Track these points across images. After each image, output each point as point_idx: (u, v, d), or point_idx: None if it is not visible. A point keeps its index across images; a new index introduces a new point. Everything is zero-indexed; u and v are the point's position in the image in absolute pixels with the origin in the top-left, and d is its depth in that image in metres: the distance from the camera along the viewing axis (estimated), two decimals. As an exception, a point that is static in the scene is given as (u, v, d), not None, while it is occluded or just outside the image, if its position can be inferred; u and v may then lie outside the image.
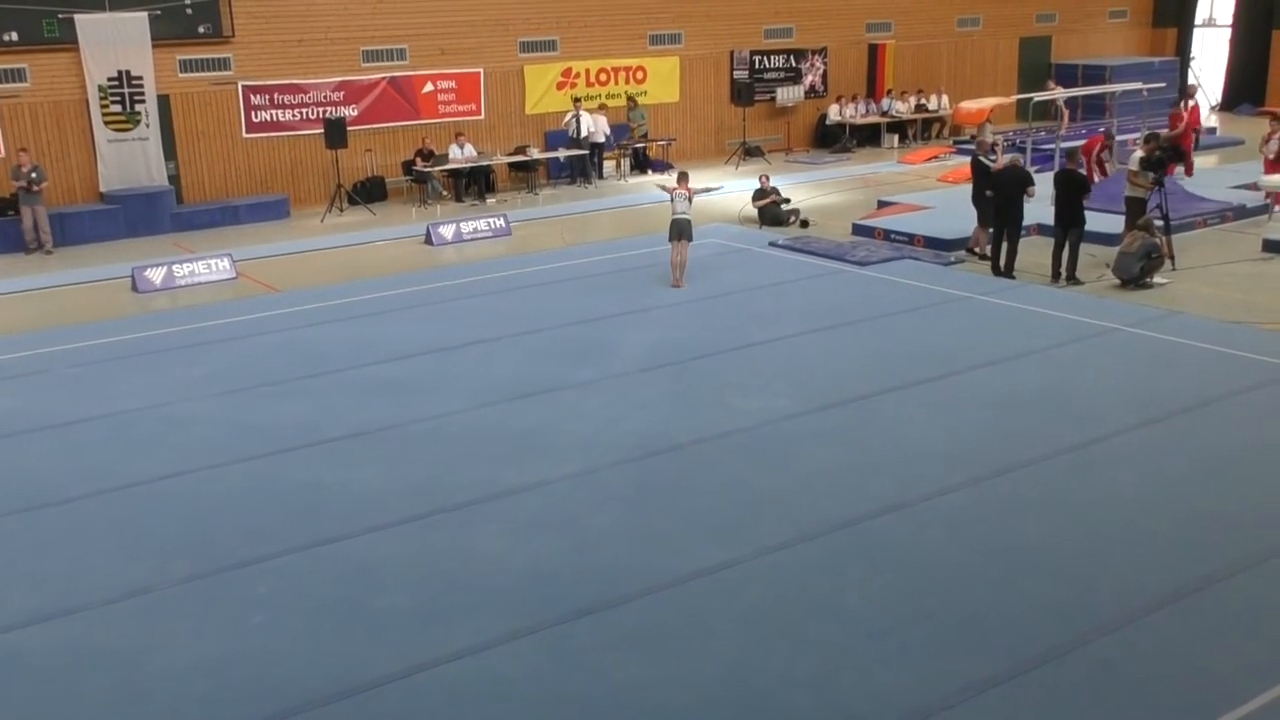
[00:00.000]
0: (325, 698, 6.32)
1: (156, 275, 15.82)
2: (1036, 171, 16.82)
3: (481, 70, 22.48)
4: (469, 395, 10.99)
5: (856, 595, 7.26)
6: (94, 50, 18.77)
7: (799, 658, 6.59)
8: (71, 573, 7.81)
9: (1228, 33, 31.84)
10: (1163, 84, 25.40)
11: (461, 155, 21.13)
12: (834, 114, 26.55)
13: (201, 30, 19.70)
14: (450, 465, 9.40)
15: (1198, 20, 32.66)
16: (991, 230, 15.14)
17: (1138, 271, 14.07)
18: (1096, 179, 17.88)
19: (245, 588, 7.54)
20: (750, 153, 24.70)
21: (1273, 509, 8.30)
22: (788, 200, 18.91)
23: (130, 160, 19.37)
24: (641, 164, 23.96)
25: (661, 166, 23.89)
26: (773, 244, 16.93)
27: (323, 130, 20.03)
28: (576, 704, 6.24)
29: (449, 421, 10.38)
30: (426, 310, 14.12)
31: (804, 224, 18.40)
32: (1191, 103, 21.86)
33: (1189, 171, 20.56)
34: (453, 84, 22.27)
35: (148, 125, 19.41)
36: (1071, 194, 14.31)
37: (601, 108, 23.41)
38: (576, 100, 22.90)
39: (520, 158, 22.21)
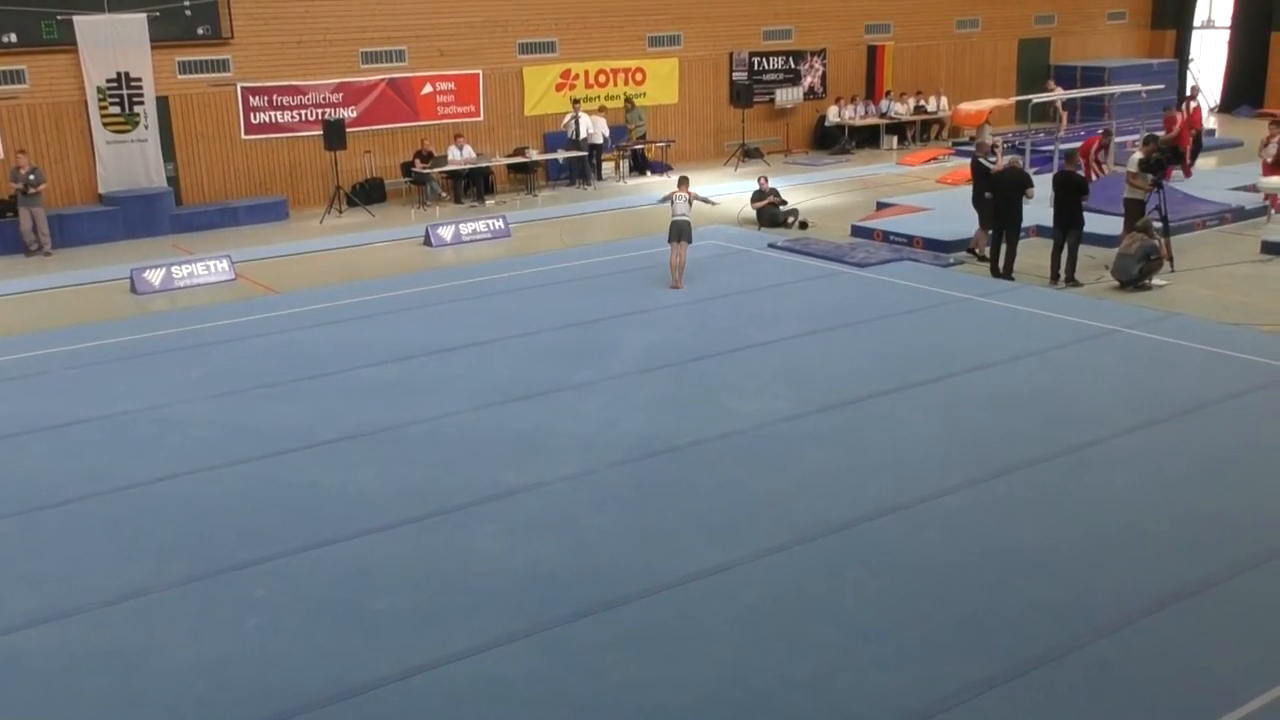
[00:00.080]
0: (323, 699, 6.32)
1: (155, 277, 15.82)
2: (1035, 173, 16.82)
3: (480, 72, 22.48)
4: (467, 396, 10.99)
5: (854, 597, 7.26)
6: (93, 52, 18.77)
7: (796, 659, 6.59)
8: (69, 574, 7.81)
9: (1226, 34, 31.86)
10: (1161, 85, 25.45)
11: (460, 157, 21.13)
12: (833, 115, 26.55)
13: (200, 32, 19.71)
14: (448, 466, 9.39)
15: (1196, 22, 32.66)
16: (990, 232, 15.15)
17: (1136, 273, 14.07)
18: (1093, 178, 17.89)
19: (243, 589, 7.54)
20: (749, 154, 24.71)
21: (1271, 510, 8.29)
22: (786, 202, 18.93)
23: (129, 162, 19.37)
24: (640, 166, 23.96)
25: (661, 168, 23.91)
26: (772, 245, 16.93)
27: (322, 132, 20.02)
28: (575, 705, 6.24)
29: (447, 423, 10.38)
30: (425, 312, 14.12)
31: (803, 225, 18.40)
32: (1194, 104, 21.88)
33: (1187, 173, 20.58)
34: (452, 85, 22.28)
35: (146, 127, 19.40)
36: (1070, 195, 14.31)
37: (601, 109, 23.39)
38: (575, 102, 22.90)
39: (519, 159, 22.21)
